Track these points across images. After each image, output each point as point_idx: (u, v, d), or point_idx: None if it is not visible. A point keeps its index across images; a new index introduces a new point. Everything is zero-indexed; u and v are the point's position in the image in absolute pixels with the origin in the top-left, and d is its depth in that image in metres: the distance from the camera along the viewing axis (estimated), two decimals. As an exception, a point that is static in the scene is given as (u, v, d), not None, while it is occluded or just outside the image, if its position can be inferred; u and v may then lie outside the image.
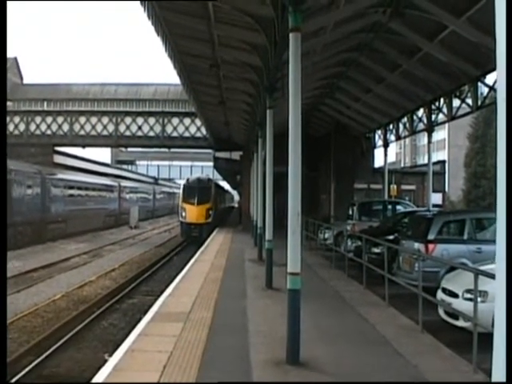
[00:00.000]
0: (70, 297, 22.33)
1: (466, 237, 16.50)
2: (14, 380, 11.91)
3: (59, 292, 22.89)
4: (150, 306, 15.37)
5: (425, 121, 31.19)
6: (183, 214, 46.39)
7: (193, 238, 44.34)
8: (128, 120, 52.02)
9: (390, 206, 31.20)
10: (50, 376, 13.01)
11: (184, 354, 10.09)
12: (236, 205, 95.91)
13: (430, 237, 16.36)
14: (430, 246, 16.11)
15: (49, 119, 52.42)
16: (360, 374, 9.06)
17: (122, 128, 52.11)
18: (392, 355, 10.13)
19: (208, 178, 53.24)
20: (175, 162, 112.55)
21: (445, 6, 18.66)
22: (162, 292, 18.04)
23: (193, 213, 45.62)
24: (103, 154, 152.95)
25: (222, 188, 74.18)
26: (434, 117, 29.99)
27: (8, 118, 52.33)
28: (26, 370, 12.82)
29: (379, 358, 9.94)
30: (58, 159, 58.81)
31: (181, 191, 50.17)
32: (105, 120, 52.13)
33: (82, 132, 52.24)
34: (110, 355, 11.25)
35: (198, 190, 46.84)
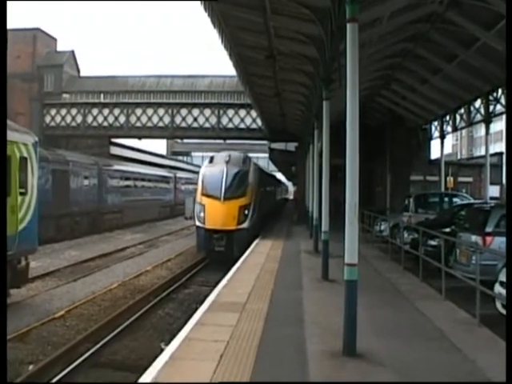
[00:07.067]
0: (126, 286, 22.60)
1: (525, 229, 16.23)
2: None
3: (116, 281, 23.19)
4: (206, 296, 15.46)
5: (482, 112, 30.80)
6: (201, 215, 28.82)
7: (216, 254, 28.44)
8: (184, 112, 52.43)
9: (446, 199, 30.87)
10: (107, 364, 13.19)
11: (240, 343, 10.13)
12: (291, 197, 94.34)
13: (488, 229, 16.10)
14: (488, 239, 15.86)
15: (105, 111, 53.18)
16: (417, 368, 8.97)
17: (177, 119, 52.58)
18: (449, 349, 10.02)
19: (244, 155, 34.42)
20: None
21: (502, -6, 18.39)
22: (217, 282, 18.12)
23: (216, 213, 28.56)
24: (159, 146, 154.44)
25: (270, 175, 56.90)
26: (491, 108, 29.60)
27: (65, 110, 53.32)
28: (83, 357, 12.97)
29: (436, 352, 9.82)
30: (115, 150, 59.82)
31: (199, 177, 31.65)
32: (161, 112, 52.65)
33: (138, 124, 52.89)
34: (166, 344, 11.36)
35: (226, 177, 29.80)
